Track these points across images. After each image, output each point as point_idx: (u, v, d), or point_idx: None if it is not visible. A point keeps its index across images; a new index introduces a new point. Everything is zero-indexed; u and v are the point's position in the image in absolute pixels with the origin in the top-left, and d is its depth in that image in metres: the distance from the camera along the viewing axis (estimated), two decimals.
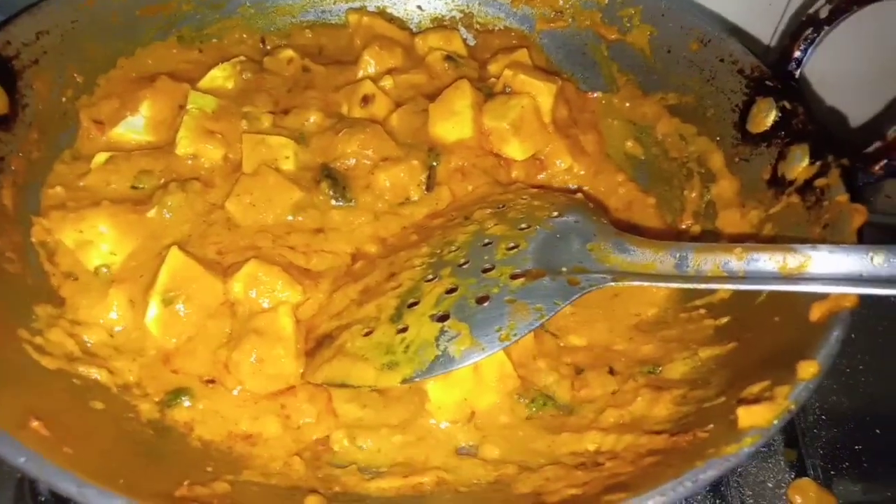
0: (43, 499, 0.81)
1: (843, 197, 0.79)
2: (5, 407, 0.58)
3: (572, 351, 0.89)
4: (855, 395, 0.99)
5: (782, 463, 0.91)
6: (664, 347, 0.88)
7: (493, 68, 1.15)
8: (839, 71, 1.13)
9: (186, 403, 0.77)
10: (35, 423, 0.58)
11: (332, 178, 0.94)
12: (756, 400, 0.62)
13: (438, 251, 0.87)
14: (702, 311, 0.90)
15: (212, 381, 0.80)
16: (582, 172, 1.08)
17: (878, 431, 0.96)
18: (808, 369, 0.62)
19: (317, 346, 0.82)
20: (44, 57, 0.94)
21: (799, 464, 0.91)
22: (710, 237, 0.98)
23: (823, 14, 0.92)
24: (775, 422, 0.59)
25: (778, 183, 0.90)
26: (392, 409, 0.79)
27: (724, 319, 0.85)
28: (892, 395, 1.01)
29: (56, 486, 0.53)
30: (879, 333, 1.04)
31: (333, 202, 0.94)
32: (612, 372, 0.85)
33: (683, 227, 1.04)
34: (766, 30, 1.23)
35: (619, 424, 0.77)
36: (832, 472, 0.91)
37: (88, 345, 0.79)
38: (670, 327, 0.91)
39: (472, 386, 0.80)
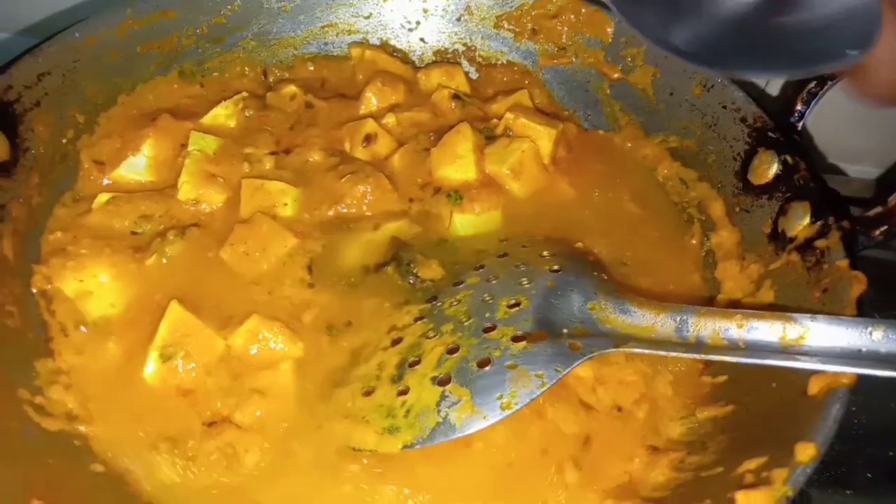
0: None
1: (843, 262, 0.80)
2: (5, 485, 0.58)
3: None
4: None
5: None
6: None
7: (494, 108, 1.15)
8: (841, 127, 1.13)
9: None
10: (36, 503, 0.58)
11: (398, 260, 0.93)
12: (754, 483, 0.63)
13: (440, 304, 0.87)
14: (699, 365, 0.90)
15: (213, 424, 0.80)
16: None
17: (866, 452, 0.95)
18: (805, 452, 0.63)
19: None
20: (45, 98, 0.94)
21: None
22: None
23: None
24: None
25: (779, 238, 0.90)
26: None
27: (722, 378, 0.85)
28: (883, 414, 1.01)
29: None
30: None
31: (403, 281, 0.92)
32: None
33: None
34: None
35: (618, 487, 0.77)
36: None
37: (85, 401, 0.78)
38: None
39: None
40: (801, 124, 0.96)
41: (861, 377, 0.67)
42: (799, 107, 0.96)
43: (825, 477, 0.92)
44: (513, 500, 0.76)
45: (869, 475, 0.94)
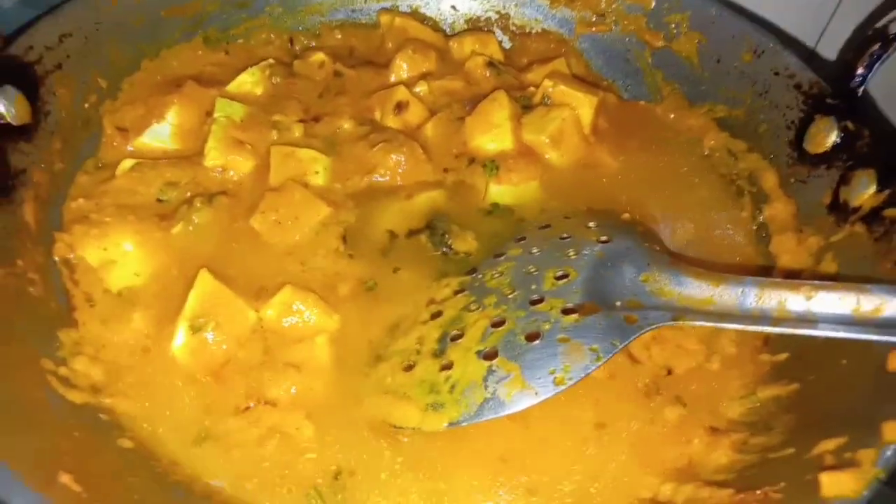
0: None
1: None
2: (32, 459, 0.54)
3: None
4: None
5: None
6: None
7: (531, 77, 1.10)
8: None
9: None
10: (65, 477, 0.53)
11: (432, 228, 0.89)
12: (837, 464, 0.58)
13: (481, 276, 0.83)
14: (756, 343, 0.85)
15: (247, 409, 0.75)
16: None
17: None
18: (895, 431, 0.58)
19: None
20: (67, 61, 0.90)
21: None
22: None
23: (893, 30, 0.86)
24: (864, 492, 0.55)
25: (840, 209, 0.85)
26: None
27: (783, 356, 0.80)
28: None
29: None
30: None
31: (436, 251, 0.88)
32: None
33: None
34: (812, 31, 1.17)
35: (677, 469, 0.72)
36: None
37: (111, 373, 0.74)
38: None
39: None
40: (862, 89, 0.90)
41: None
42: (860, 70, 0.90)
43: None
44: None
45: None
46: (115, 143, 0.95)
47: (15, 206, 0.78)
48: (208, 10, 1.08)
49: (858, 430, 0.60)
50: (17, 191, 0.79)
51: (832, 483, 0.56)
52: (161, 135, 0.96)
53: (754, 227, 0.97)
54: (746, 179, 1.00)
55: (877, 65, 0.89)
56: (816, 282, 0.70)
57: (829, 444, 0.62)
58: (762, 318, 0.70)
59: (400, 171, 0.96)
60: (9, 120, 0.81)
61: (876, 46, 0.89)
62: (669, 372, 0.79)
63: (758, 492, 0.61)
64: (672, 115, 1.11)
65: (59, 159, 0.87)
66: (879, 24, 0.88)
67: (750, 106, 1.01)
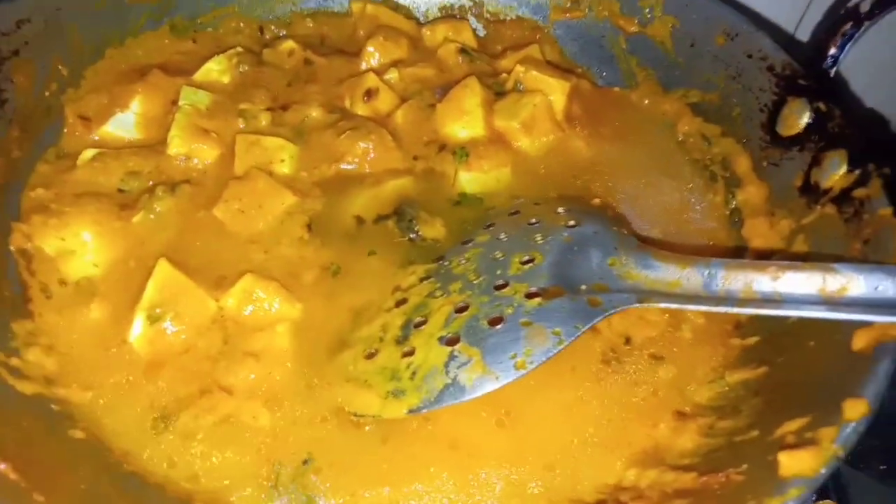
0: None
1: (885, 210, 0.74)
2: None
3: None
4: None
5: None
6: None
7: (504, 63, 1.09)
8: (880, 68, 1.06)
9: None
10: (2, 466, 0.52)
11: (400, 214, 0.87)
12: (797, 443, 0.57)
13: (447, 263, 0.81)
14: (727, 327, 0.84)
15: (202, 396, 0.74)
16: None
17: None
18: (855, 408, 0.57)
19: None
20: (24, 48, 0.88)
21: None
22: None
23: (865, 7, 0.86)
24: (822, 470, 0.54)
25: (811, 191, 0.84)
26: None
27: (753, 339, 0.79)
28: None
29: None
30: None
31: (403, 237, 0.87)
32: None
33: None
34: (791, 17, 1.16)
35: (642, 452, 0.71)
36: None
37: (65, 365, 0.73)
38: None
39: None
40: (834, 70, 0.90)
41: None
42: (832, 51, 0.89)
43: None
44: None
45: None
46: (77, 133, 0.93)
47: None
48: None
49: (821, 409, 0.59)
50: None
51: (791, 462, 0.55)
52: (125, 124, 0.94)
53: (727, 212, 0.96)
54: (720, 164, 0.99)
55: (848, 45, 0.89)
56: (783, 262, 0.69)
57: (793, 425, 0.61)
58: (729, 299, 0.69)
59: (368, 158, 0.94)
60: None
61: (847, 26, 0.88)
62: (627, 340, 0.78)
63: (720, 474, 0.60)
64: (646, 101, 1.10)
65: (16, 147, 0.85)
66: (850, 4, 0.87)
67: (723, 90, 1.00)
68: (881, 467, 0.88)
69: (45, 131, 0.91)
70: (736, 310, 0.68)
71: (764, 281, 0.68)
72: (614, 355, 0.77)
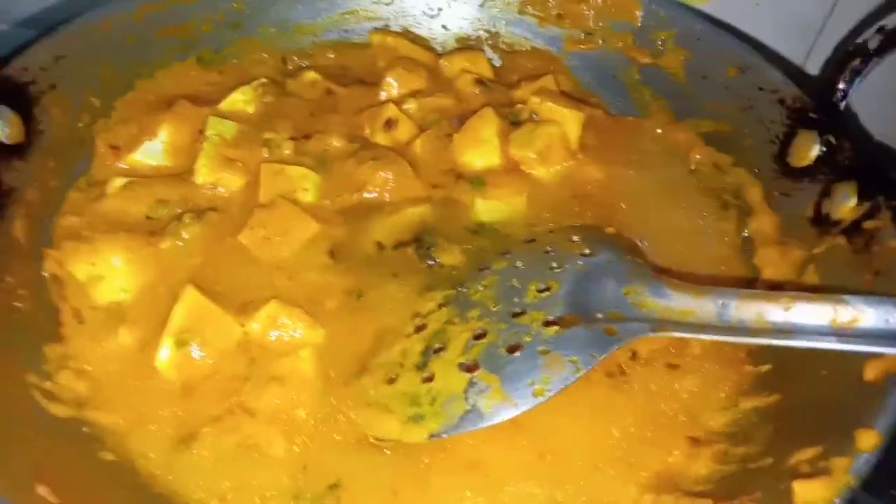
0: None
1: (895, 242, 0.75)
2: (12, 470, 0.55)
3: None
4: None
5: None
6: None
7: (519, 94, 1.11)
8: (888, 102, 1.08)
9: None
10: (41, 489, 0.54)
11: (419, 241, 0.90)
12: (811, 473, 0.58)
13: (465, 290, 0.83)
14: (740, 354, 0.85)
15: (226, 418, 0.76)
16: None
17: None
18: (867, 440, 0.58)
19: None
20: (61, 81, 0.92)
21: None
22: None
23: (873, 45, 0.87)
24: (835, 500, 0.55)
25: (822, 222, 0.86)
26: None
27: (765, 367, 0.81)
28: None
29: None
30: None
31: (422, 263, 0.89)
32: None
33: None
34: (799, 49, 1.18)
35: (658, 480, 0.72)
36: None
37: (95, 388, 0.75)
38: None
39: None
40: (843, 103, 0.91)
41: None
42: (841, 85, 0.91)
43: None
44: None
45: None
46: (107, 161, 0.96)
47: (6, 224, 0.80)
48: (202, 31, 1.10)
49: (834, 439, 0.61)
50: (8, 208, 0.81)
51: (804, 491, 0.57)
52: (153, 152, 0.97)
53: (739, 241, 0.97)
54: (732, 193, 1.01)
55: (857, 80, 0.91)
56: (794, 293, 0.71)
57: (806, 454, 0.62)
58: (741, 329, 0.71)
59: (388, 188, 0.97)
60: (2, 139, 0.82)
61: (856, 62, 0.90)
62: (634, 355, 0.80)
63: (735, 501, 0.62)
64: (659, 130, 1.11)
65: (51, 177, 0.88)
66: (859, 40, 0.89)
67: (735, 121, 1.02)
68: None
69: (78, 161, 0.94)
70: (748, 340, 0.70)
71: (776, 311, 0.70)
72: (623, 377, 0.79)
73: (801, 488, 0.57)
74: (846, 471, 0.57)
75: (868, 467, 0.57)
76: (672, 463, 0.73)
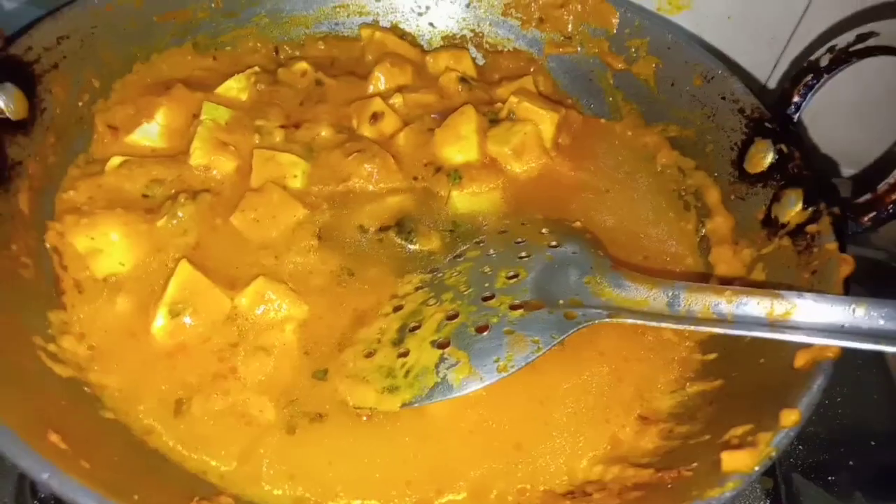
0: (42, 496, 0.83)
1: (832, 245, 0.83)
2: (26, 418, 0.60)
3: None
4: (831, 424, 1.02)
5: (758, 491, 0.95)
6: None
7: (499, 92, 1.18)
8: (835, 119, 1.16)
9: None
10: (53, 437, 0.60)
11: (400, 225, 0.97)
12: (739, 445, 0.66)
13: (440, 275, 0.90)
14: (689, 344, 0.92)
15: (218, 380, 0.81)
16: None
17: (851, 462, 0.99)
18: (789, 417, 0.66)
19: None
20: (63, 62, 0.96)
21: (774, 492, 0.94)
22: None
23: (824, 62, 0.95)
24: (757, 468, 0.63)
25: (771, 224, 0.93)
26: None
27: (712, 356, 0.88)
28: (866, 424, 1.04)
29: (76, 502, 0.56)
30: (856, 365, 1.07)
31: (403, 246, 0.96)
32: None
33: None
34: (765, 67, 1.26)
35: (608, 456, 0.80)
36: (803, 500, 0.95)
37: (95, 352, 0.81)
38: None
39: None
40: (797, 116, 0.99)
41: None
42: (795, 99, 0.98)
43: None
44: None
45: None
46: (105, 140, 1.01)
47: (11, 195, 0.84)
48: (199, 18, 1.15)
49: (763, 417, 0.68)
50: (13, 181, 0.85)
51: (731, 460, 0.64)
52: (150, 133, 1.02)
53: (697, 239, 1.05)
54: (693, 195, 1.08)
55: (810, 94, 0.98)
56: (738, 287, 0.78)
57: (738, 431, 0.69)
58: (689, 318, 0.78)
59: (373, 179, 1.03)
60: (7, 115, 0.86)
61: (809, 77, 0.97)
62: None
63: (673, 471, 0.69)
64: (629, 133, 1.19)
65: (52, 153, 0.93)
66: (812, 58, 0.97)
67: (699, 127, 1.09)
68: (829, 478, 0.97)
69: (77, 139, 0.98)
70: (694, 327, 0.77)
71: (721, 303, 0.78)
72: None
73: (728, 458, 0.64)
74: (768, 443, 0.64)
75: (788, 441, 0.65)
76: (622, 439, 0.81)
